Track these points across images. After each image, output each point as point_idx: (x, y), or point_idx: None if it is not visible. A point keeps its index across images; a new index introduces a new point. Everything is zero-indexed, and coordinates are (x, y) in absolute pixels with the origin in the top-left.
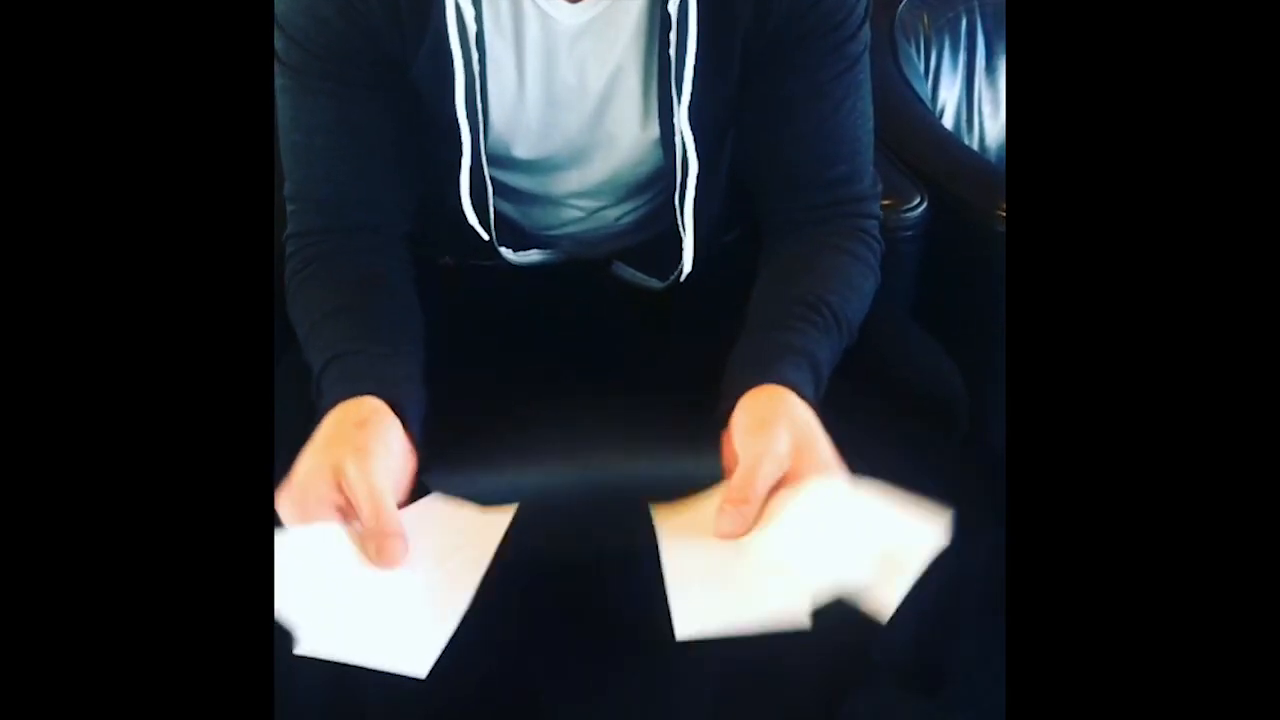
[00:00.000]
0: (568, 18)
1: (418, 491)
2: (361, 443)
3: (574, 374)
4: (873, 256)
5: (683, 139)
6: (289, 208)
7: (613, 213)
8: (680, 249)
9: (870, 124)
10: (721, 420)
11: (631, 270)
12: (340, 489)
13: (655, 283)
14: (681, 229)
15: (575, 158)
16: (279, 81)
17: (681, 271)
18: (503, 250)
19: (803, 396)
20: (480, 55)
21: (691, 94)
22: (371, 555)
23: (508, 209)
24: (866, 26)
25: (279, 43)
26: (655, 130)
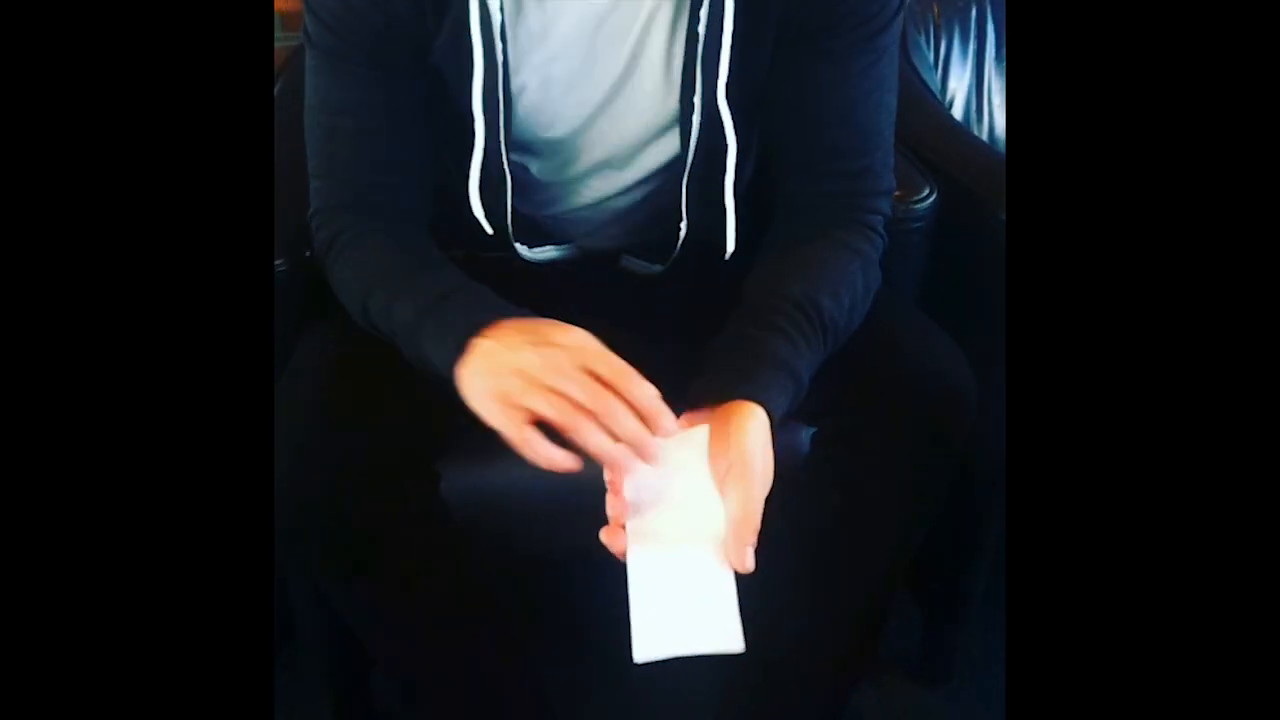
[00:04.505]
0: None
1: (432, 484)
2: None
3: None
4: (875, 253)
5: (719, 117)
6: (313, 184)
7: (623, 201)
8: (678, 233)
9: (892, 118)
10: (694, 401)
11: (638, 261)
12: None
13: (656, 268)
14: (725, 208)
15: (592, 134)
16: (309, 62)
17: (674, 256)
18: (518, 246)
19: (772, 413)
20: (503, 44)
21: (728, 74)
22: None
23: (522, 197)
24: (900, 19)
25: (309, 24)
26: (674, 108)
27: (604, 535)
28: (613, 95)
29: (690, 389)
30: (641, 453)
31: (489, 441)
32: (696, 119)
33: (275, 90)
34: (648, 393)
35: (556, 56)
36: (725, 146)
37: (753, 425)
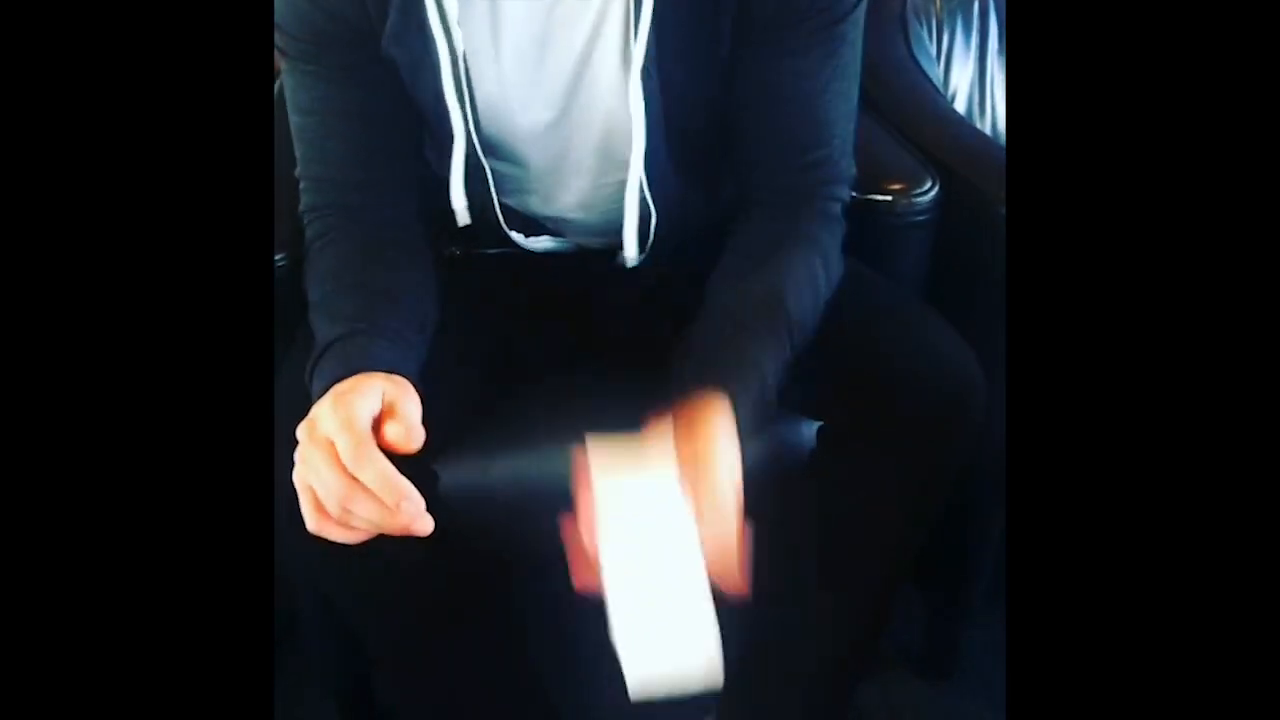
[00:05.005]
0: None
1: (431, 484)
2: (338, 396)
3: (581, 362)
4: (836, 241)
5: (630, 104)
6: (300, 185)
7: (608, 192)
8: (650, 222)
9: (853, 105)
10: (670, 400)
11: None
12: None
13: (634, 257)
14: (644, 199)
15: (561, 126)
16: (282, 66)
17: (649, 246)
18: (513, 235)
19: (736, 401)
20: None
21: (660, 60)
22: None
23: (505, 193)
24: (861, 7)
25: (276, 30)
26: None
27: (576, 577)
28: (574, 85)
29: (671, 387)
30: (388, 529)
31: (487, 440)
32: (632, 105)
33: (275, 89)
34: (377, 476)
35: (507, 48)
36: (631, 137)
37: (714, 414)
